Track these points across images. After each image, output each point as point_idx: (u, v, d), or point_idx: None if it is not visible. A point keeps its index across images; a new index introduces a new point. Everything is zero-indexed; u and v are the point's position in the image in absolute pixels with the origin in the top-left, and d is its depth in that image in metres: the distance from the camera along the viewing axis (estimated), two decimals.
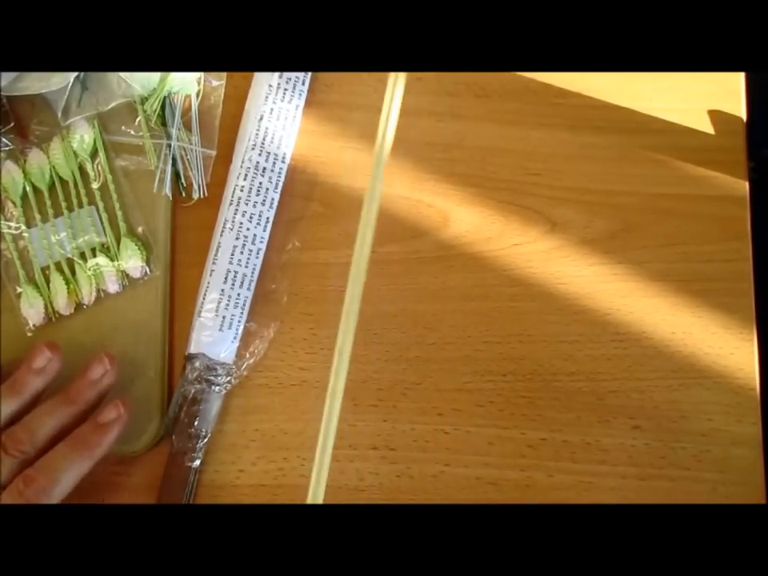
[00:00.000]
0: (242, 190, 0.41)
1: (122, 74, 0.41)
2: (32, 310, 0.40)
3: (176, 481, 0.39)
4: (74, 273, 0.41)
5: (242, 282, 0.41)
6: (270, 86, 0.42)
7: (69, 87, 0.41)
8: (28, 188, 0.41)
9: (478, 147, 0.43)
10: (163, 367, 0.41)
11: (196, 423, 0.40)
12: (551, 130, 0.44)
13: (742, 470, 0.41)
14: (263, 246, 0.41)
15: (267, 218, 0.41)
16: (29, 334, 0.40)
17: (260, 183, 0.41)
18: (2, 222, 0.41)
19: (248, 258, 0.41)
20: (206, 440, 0.40)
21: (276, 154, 0.42)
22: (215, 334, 0.40)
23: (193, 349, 0.40)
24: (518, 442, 0.42)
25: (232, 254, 0.40)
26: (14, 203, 0.41)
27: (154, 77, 0.41)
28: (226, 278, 0.40)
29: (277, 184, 0.42)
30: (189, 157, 0.42)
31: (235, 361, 0.41)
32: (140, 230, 0.41)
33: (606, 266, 0.43)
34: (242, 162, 0.41)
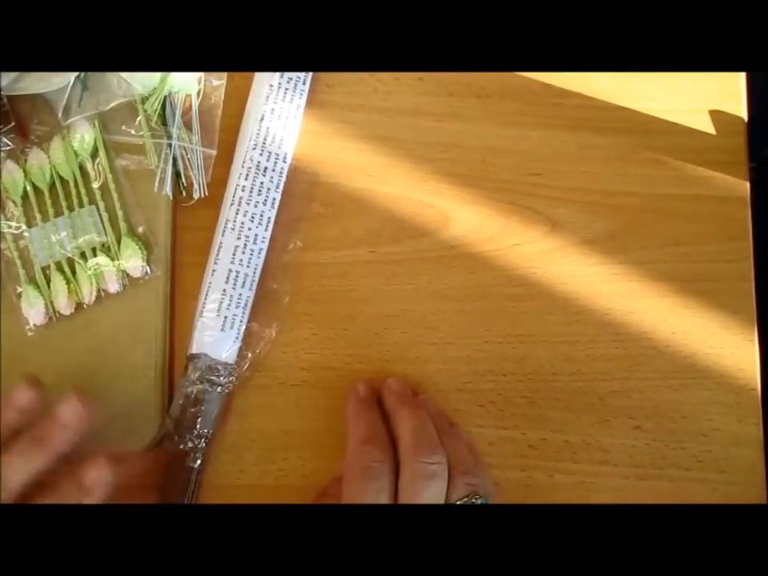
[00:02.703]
0: (243, 190, 0.41)
1: (123, 74, 0.41)
2: (32, 310, 0.40)
3: (177, 481, 0.39)
4: (74, 272, 0.41)
5: (243, 282, 0.41)
6: (271, 85, 0.42)
7: (69, 87, 0.41)
8: (28, 188, 0.41)
9: (478, 147, 0.43)
10: (164, 367, 0.41)
11: (198, 423, 0.40)
12: (551, 131, 0.44)
13: (742, 471, 0.41)
14: (265, 246, 0.41)
15: (269, 218, 0.41)
16: (29, 334, 0.40)
17: (261, 183, 0.41)
18: (3, 221, 0.41)
19: (250, 258, 0.41)
20: (207, 440, 0.40)
21: (277, 154, 0.42)
22: (217, 334, 0.40)
23: (195, 349, 0.40)
24: (519, 442, 0.42)
25: (234, 254, 0.40)
26: (14, 203, 0.41)
27: (154, 76, 0.41)
28: (227, 278, 0.40)
29: (278, 184, 0.42)
30: (189, 156, 0.42)
31: (237, 361, 0.41)
32: (140, 229, 0.41)
33: (606, 266, 0.43)
34: (243, 162, 0.41)
